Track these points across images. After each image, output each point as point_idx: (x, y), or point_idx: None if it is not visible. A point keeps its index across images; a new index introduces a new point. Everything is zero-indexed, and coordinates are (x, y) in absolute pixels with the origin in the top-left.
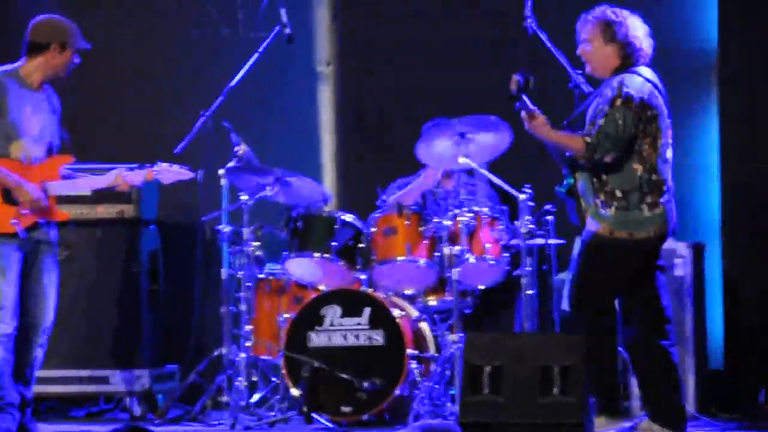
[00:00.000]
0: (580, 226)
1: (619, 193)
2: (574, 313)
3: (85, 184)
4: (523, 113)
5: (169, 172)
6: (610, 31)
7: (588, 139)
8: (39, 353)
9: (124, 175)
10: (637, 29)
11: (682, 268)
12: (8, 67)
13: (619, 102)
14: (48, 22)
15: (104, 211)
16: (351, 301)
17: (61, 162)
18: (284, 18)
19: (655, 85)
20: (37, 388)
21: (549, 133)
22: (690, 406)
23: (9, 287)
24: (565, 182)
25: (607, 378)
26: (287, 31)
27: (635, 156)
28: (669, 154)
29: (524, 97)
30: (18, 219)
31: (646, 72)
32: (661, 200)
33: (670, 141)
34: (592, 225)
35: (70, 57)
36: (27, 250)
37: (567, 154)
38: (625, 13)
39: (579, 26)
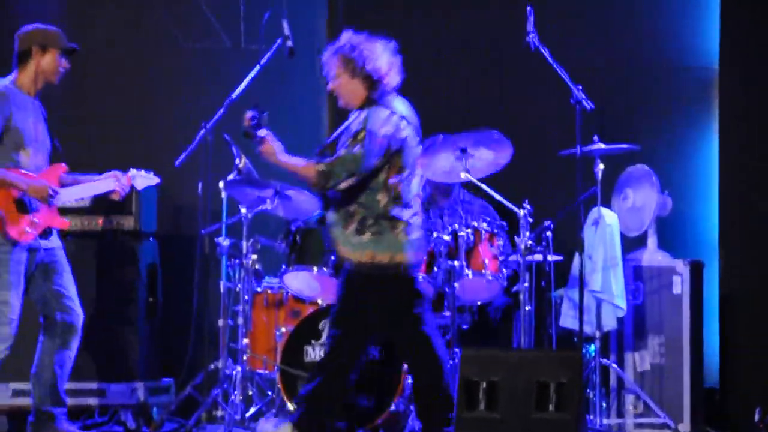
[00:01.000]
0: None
1: (370, 221)
2: (340, 340)
3: (83, 192)
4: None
5: (142, 178)
6: (353, 64)
7: (320, 168)
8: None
9: (119, 183)
10: (380, 57)
11: (679, 286)
12: (4, 79)
13: (361, 136)
14: (27, 29)
15: (103, 222)
16: None
17: (58, 171)
18: (286, 30)
19: (403, 117)
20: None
21: (280, 160)
22: (685, 424)
23: (18, 300)
24: (317, 212)
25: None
26: (289, 43)
27: (380, 187)
28: (415, 184)
29: (256, 131)
30: (32, 228)
31: (396, 103)
32: (407, 230)
33: (419, 172)
34: (351, 255)
35: (56, 59)
36: (43, 257)
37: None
38: (368, 41)
39: (324, 61)
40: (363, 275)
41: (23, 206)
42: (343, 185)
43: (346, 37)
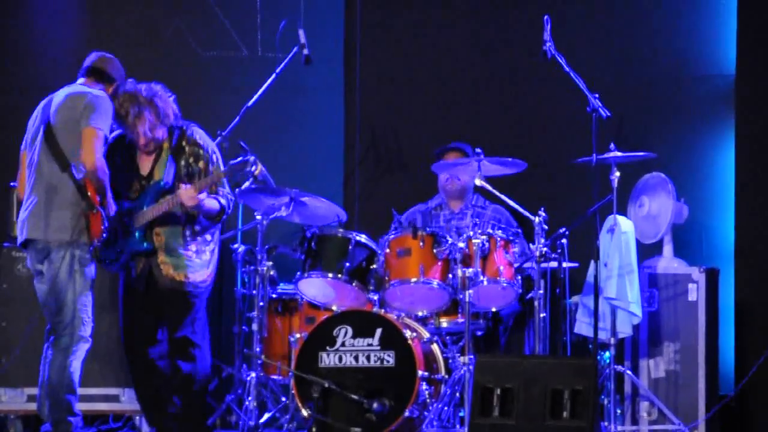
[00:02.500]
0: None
1: (208, 236)
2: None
3: None
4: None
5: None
6: (160, 113)
7: (223, 201)
8: None
9: None
10: (170, 102)
11: (695, 293)
12: (85, 88)
13: (208, 156)
14: (118, 64)
15: None
16: (363, 322)
17: None
18: (302, 39)
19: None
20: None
21: (203, 201)
22: (700, 431)
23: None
24: (145, 245)
25: None
26: (305, 52)
27: None
28: None
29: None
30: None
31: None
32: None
33: None
34: (194, 276)
35: None
36: None
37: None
38: (157, 89)
39: (140, 120)
40: (205, 292)
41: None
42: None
43: (142, 90)
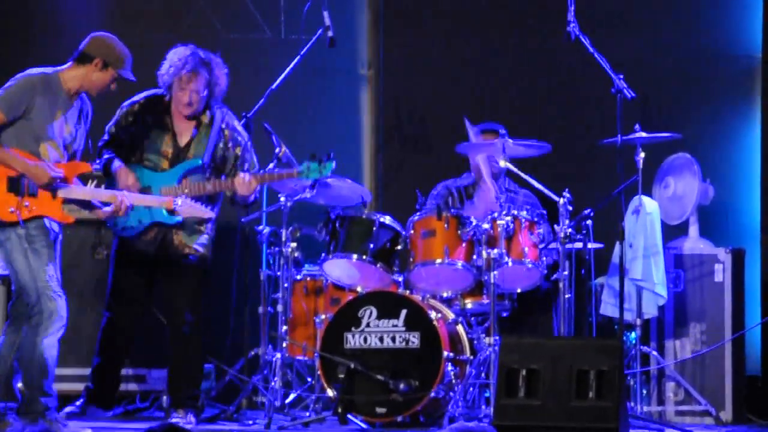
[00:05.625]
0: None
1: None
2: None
3: (90, 193)
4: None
5: (190, 208)
6: (214, 78)
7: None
8: None
9: (122, 198)
10: (220, 65)
11: (721, 274)
12: (50, 69)
13: (250, 145)
14: (102, 39)
15: None
16: (388, 303)
17: (79, 169)
18: (327, 21)
19: None
20: (74, 386)
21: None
22: (726, 412)
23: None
24: (176, 218)
25: None
26: (329, 34)
27: None
28: None
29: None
30: (18, 209)
31: None
32: None
33: None
34: (202, 249)
35: (109, 79)
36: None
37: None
38: (212, 55)
39: (196, 75)
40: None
41: (15, 187)
42: None
43: (200, 52)
